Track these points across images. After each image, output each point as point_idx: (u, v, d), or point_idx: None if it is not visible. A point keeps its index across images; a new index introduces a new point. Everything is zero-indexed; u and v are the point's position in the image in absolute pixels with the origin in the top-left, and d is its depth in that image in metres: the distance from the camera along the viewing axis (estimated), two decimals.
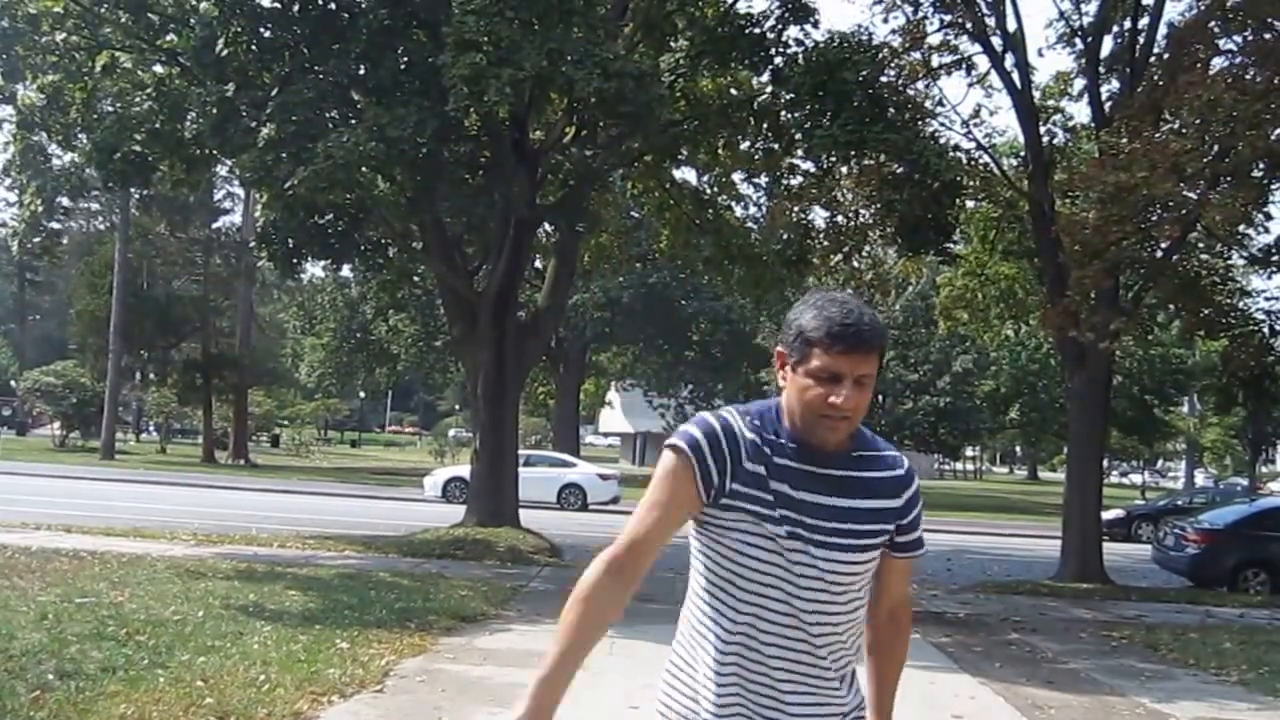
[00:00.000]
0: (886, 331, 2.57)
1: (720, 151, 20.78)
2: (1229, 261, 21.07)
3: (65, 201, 19.17)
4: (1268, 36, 16.06)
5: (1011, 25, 18.58)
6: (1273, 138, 15.06)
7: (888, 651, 2.76)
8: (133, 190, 29.60)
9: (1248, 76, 15.62)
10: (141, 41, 17.29)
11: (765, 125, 18.75)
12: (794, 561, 2.46)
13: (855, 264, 20.41)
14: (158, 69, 17.98)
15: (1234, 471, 70.00)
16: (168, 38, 17.25)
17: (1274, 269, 19.13)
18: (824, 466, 2.51)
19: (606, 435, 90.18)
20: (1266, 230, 19.85)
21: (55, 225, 19.52)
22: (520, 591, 13.50)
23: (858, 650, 2.62)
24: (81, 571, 12.24)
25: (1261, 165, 15.91)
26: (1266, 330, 19.22)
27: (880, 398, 54.79)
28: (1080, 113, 23.45)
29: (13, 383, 65.25)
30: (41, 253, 19.37)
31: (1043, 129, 19.55)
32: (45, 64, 17.31)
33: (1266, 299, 50.56)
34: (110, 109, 17.25)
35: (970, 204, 20.43)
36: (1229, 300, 18.94)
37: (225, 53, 15.42)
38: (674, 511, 2.51)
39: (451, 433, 75.97)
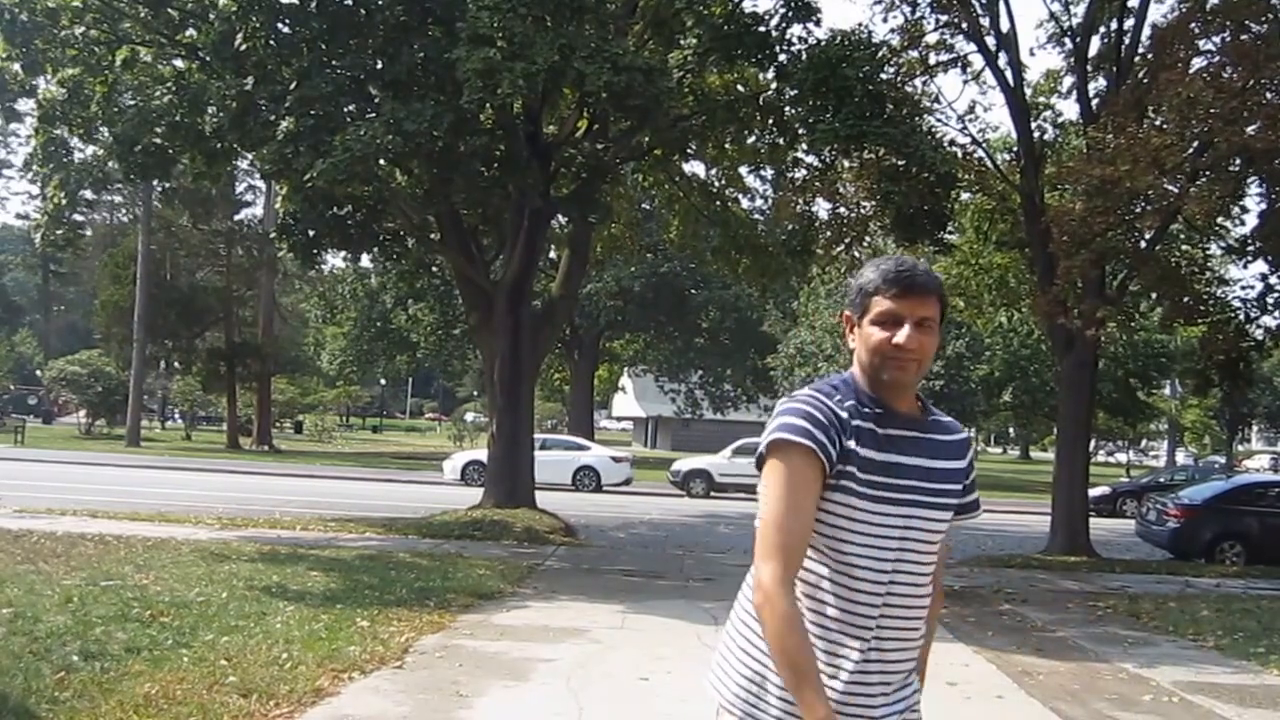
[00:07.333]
0: (943, 283, 2.59)
1: (727, 145, 21.05)
2: (1207, 252, 21.63)
3: (88, 194, 19.20)
4: (1244, 37, 16.35)
5: (1005, 26, 18.95)
6: (1248, 133, 15.31)
7: (930, 614, 2.68)
8: (154, 183, 29.80)
9: (1225, 75, 15.95)
10: (161, 36, 17.48)
11: (770, 120, 18.96)
12: (895, 526, 2.46)
13: (856, 253, 20.68)
14: (177, 63, 18.14)
15: (1213, 450, 70.12)
16: (187, 32, 17.41)
17: (1249, 259, 19.73)
18: (909, 429, 2.52)
19: (620, 419, 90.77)
20: (1242, 222, 20.52)
21: (78, 218, 19.55)
22: (536, 570, 13.79)
23: None
24: (106, 556, 12.40)
25: (1238, 160, 16.25)
26: (1242, 317, 19.61)
27: None
28: (1069, 109, 23.86)
29: (38, 372, 65.74)
30: (64, 245, 19.33)
31: (1034, 125, 19.99)
32: (65, 58, 17.22)
33: (1242, 288, 51.82)
34: (131, 103, 17.16)
35: (965, 196, 20.75)
36: (1207, 289, 19.16)
37: (244, 47, 15.60)
38: (812, 505, 2.42)
39: (469, 417, 76.17)
